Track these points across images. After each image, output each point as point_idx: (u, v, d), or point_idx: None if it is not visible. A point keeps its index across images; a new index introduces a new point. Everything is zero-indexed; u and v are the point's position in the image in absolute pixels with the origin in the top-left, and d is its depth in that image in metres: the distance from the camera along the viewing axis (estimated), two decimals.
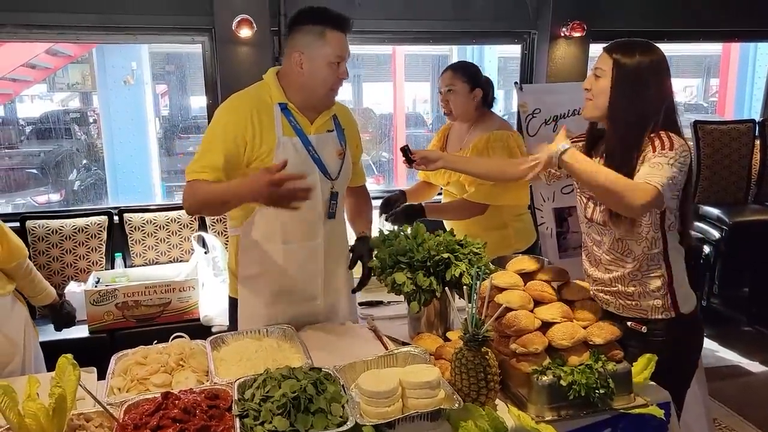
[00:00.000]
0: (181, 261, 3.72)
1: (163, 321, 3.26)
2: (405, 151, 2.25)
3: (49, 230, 3.54)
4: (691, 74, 10.90)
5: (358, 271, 2.17)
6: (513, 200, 2.64)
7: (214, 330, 3.13)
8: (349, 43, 1.99)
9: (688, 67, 10.55)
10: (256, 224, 2.03)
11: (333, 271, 2.16)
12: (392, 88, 8.01)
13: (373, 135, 7.91)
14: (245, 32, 3.58)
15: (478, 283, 1.58)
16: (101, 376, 1.75)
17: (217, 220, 3.73)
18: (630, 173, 1.69)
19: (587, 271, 1.98)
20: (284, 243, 2.04)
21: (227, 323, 2.28)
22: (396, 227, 2.14)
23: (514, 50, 4.57)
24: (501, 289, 1.70)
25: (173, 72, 7.78)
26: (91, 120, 7.37)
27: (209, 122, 2.03)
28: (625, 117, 1.75)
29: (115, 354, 1.78)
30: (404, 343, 1.93)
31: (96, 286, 3.26)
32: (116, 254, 3.70)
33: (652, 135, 1.73)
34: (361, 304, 2.39)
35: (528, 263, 1.79)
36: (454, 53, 7.61)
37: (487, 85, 2.68)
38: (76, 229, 3.59)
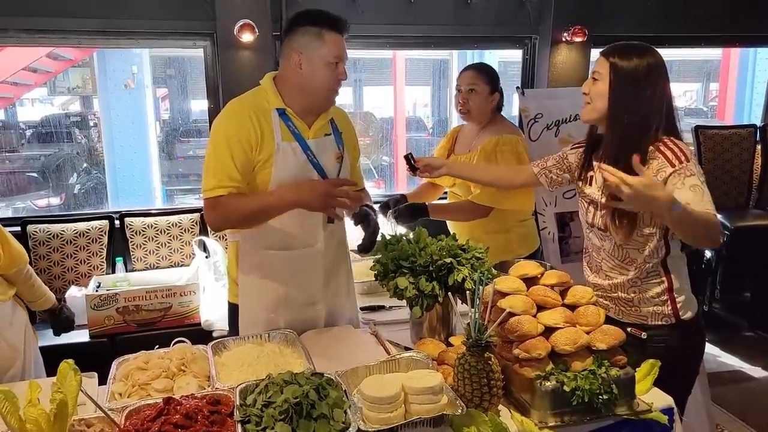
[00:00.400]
0: (182, 265, 3.72)
1: (163, 326, 3.25)
2: (408, 158, 2.25)
3: (49, 234, 3.54)
4: (690, 78, 10.91)
5: (361, 268, 2.15)
6: (517, 205, 2.63)
7: (214, 335, 3.13)
8: (350, 48, 2.00)
9: (687, 71, 10.56)
10: (255, 230, 2.01)
11: (333, 276, 2.15)
12: (393, 92, 8.02)
13: (374, 139, 7.92)
14: (247, 37, 3.59)
15: (481, 287, 1.58)
16: (102, 381, 1.73)
17: None
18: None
19: (588, 278, 1.97)
20: (284, 249, 2.03)
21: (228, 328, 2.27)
22: (399, 225, 2.12)
23: (515, 55, 4.58)
24: (504, 294, 1.69)
25: (174, 76, 7.78)
26: (91, 124, 7.37)
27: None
28: (626, 119, 1.75)
29: (116, 359, 1.77)
30: (406, 348, 1.92)
31: (97, 291, 3.26)
32: (117, 258, 3.69)
33: (656, 143, 1.73)
34: (362, 309, 2.38)
35: (531, 268, 1.78)
36: (455, 57, 7.62)
37: (501, 90, 2.71)
38: (76, 233, 3.59)
